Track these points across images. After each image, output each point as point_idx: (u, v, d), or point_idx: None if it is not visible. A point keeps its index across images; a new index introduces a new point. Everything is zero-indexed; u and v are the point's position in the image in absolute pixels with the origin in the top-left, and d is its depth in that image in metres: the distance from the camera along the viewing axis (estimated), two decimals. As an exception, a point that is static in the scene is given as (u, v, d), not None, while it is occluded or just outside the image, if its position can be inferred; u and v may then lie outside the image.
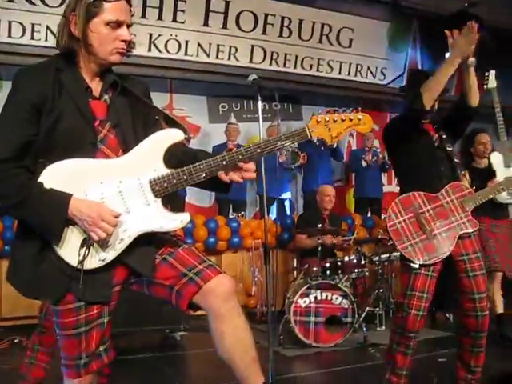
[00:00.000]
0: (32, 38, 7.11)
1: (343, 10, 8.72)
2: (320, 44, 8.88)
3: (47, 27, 7.07)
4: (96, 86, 2.14)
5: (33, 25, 7.09)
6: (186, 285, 2.09)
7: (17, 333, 5.22)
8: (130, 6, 2.11)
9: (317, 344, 5.18)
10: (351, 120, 2.16)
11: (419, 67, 9.32)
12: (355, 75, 9.31)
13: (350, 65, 9.22)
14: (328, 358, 4.98)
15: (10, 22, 6.97)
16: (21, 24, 7.04)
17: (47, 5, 6.99)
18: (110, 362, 2.17)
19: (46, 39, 7.04)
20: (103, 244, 1.99)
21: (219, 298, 2.09)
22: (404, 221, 3.24)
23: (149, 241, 2.11)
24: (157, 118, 2.28)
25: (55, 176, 1.97)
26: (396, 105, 9.39)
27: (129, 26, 2.09)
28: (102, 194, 2.01)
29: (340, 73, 9.19)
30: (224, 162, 2.07)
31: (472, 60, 3.21)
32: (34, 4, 6.99)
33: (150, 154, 2.08)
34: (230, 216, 7.83)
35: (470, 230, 3.24)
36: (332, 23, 8.79)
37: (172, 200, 2.30)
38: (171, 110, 8.84)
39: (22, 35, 7.10)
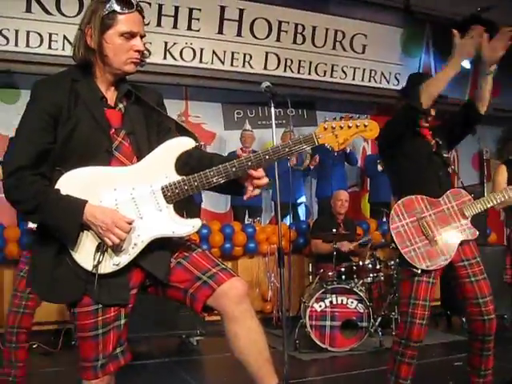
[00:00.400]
0: (49, 48, 7.17)
1: (356, 16, 8.70)
2: (334, 50, 8.87)
3: (64, 36, 7.13)
4: (111, 95, 2.20)
5: (50, 34, 7.16)
6: (200, 288, 2.13)
7: (34, 338, 5.18)
8: (143, 17, 2.17)
9: (332, 348, 5.20)
10: (357, 126, 2.19)
11: (433, 72, 9.28)
12: (369, 81, 9.27)
13: (364, 70, 9.18)
14: (344, 362, 5.01)
15: (28, 32, 7.05)
16: (38, 34, 7.12)
17: (64, 14, 7.07)
18: (126, 366, 2.20)
19: (63, 48, 7.11)
20: (117, 249, 2.04)
21: (232, 300, 2.13)
22: (407, 224, 3.19)
23: (164, 245, 2.15)
24: (170, 126, 2.34)
25: (71, 183, 2.02)
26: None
27: (142, 36, 2.14)
28: (116, 201, 2.07)
29: (354, 79, 9.16)
30: (234, 169, 2.11)
31: (494, 68, 3.16)
32: (51, 14, 7.06)
33: (162, 161, 2.12)
34: (246, 222, 7.86)
35: (470, 239, 3.23)
36: (345, 29, 8.78)
37: (188, 206, 2.35)
38: (187, 116, 8.88)
39: (40, 45, 7.17)
